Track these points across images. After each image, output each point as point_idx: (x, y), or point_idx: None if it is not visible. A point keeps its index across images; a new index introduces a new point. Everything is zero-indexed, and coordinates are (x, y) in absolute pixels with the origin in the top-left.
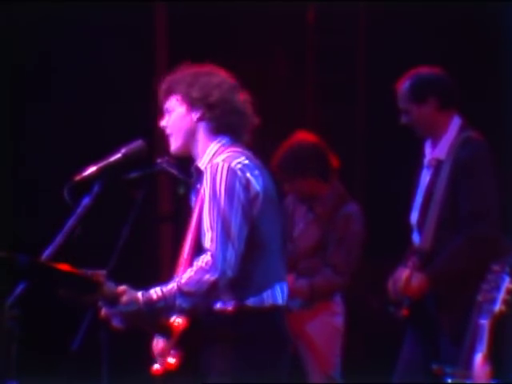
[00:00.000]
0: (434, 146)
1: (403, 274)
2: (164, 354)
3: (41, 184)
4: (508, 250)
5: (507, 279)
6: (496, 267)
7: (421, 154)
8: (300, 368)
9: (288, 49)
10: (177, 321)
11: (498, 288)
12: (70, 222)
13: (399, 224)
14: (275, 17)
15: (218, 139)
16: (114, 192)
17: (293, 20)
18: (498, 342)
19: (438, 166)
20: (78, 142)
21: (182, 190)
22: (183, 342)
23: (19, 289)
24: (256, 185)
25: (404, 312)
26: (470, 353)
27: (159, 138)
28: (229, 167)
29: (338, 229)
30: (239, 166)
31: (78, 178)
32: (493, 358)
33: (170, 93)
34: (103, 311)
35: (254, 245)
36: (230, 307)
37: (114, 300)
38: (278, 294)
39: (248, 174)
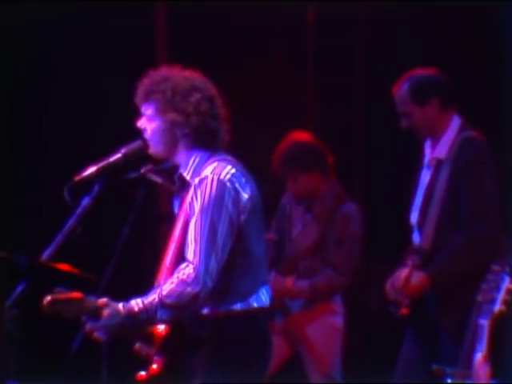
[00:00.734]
0: (434, 145)
1: (403, 273)
2: (147, 360)
3: (41, 184)
4: (508, 249)
5: (507, 279)
6: (496, 267)
7: (421, 154)
8: (300, 368)
9: (288, 49)
10: (159, 327)
11: (498, 288)
12: (70, 222)
13: (399, 224)
14: (275, 17)
15: (200, 149)
16: (114, 192)
17: (293, 20)
18: (497, 342)
19: (438, 165)
20: (77, 142)
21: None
22: (167, 348)
23: (19, 289)
24: (244, 194)
25: (404, 311)
26: (470, 353)
27: None
28: (218, 179)
29: (337, 229)
30: (228, 176)
31: (77, 177)
32: (493, 357)
33: (146, 99)
34: (86, 326)
35: (241, 252)
36: (215, 313)
37: (95, 313)
38: (262, 297)
39: (237, 185)
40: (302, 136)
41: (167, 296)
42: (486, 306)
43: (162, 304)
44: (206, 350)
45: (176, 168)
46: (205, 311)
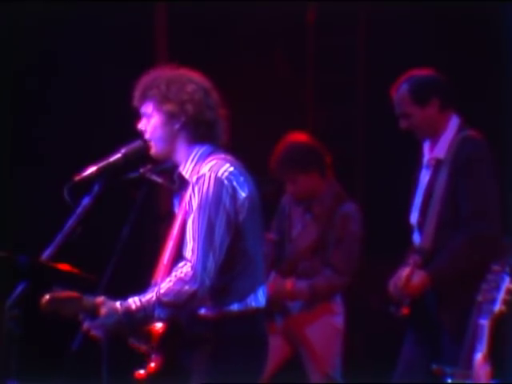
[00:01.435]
0: (433, 145)
1: (404, 272)
2: (145, 358)
3: (41, 184)
4: (508, 249)
5: (507, 279)
6: (496, 267)
7: (420, 154)
8: (300, 368)
9: (288, 49)
10: (156, 326)
11: (498, 288)
12: (70, 222)
13: (399, 224)
14: (275, 17)
15: (199, 146)
16: (114, 192)
17: (293, 20)
18: (497, 341)
19: (437, 165)
20: (77, 142)
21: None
22: (165, 346)
23: (19, 289)
24: (242, 192)
25: (404, 311)
26: (470, 353)
27: None
28: (216, 177)
29: (336, 229)
30: (226, 174)
31: (77, 177)
32: (493, 357)
33: (144, 98)
34: (85, 324)
35: (239, 251)
36: (213, 313)
37: (93, 312)
38: (260, 297)
39: (235, 183)
40: (299, 137)
41: (165, 294)
42: (486, 305)
43: (159, 302)
44: (204, 350)
45: (175, 168)
46: (202, 311)
